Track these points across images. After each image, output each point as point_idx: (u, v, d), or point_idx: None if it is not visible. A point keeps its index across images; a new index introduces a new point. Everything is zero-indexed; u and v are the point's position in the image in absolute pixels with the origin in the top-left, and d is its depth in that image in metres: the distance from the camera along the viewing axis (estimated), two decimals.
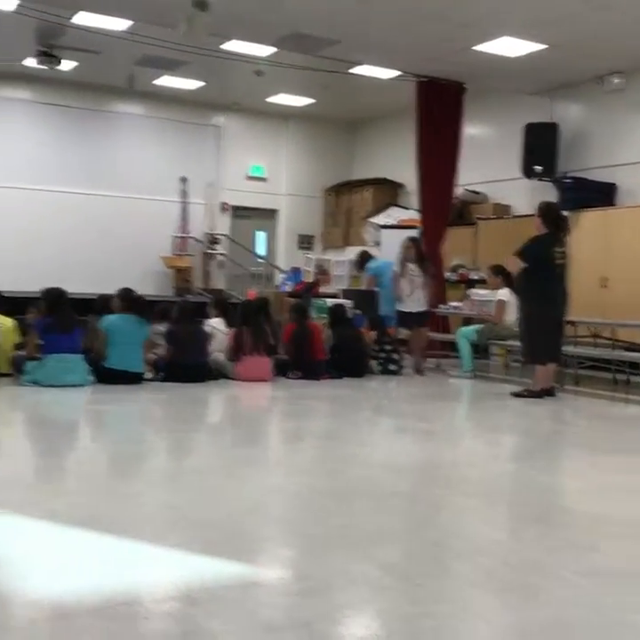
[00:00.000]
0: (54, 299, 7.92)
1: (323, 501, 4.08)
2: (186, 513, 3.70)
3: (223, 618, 2.51)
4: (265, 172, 16.14)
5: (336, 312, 9.80)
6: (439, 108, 12.01)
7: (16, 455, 5.27)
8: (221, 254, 15.48)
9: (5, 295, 8.55)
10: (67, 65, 12.33)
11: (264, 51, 11.31)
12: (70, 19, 10.26)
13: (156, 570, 2.96)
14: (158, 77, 13.45)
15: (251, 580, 2.88)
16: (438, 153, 12.06)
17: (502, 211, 12.93)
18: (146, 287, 11.58)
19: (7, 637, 2.31)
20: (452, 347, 10.35)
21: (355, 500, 4.13)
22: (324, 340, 9.24)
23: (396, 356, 9.80)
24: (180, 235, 15.02)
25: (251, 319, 8.80)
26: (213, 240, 15.45)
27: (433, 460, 5.31)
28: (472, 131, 12.79)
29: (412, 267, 9.76)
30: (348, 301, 10.78)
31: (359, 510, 3.92)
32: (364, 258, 11.45)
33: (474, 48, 10.50)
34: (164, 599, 2.67)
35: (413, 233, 11.21)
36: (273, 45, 10.99)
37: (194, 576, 2.87)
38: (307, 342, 9.07)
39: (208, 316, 9.26)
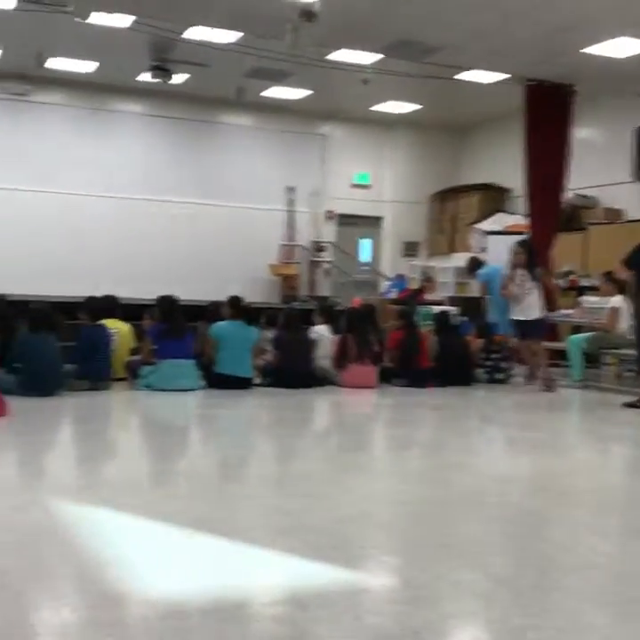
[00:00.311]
0: (168, 306, 8.18)
1: (430, 510, 4.07)
2: (295, 518, 3.76)
3: (331, 624, 2.54)
4: (370, 179, 16.18)
5: (441, 319, 9.72)
6: (547, 111, 11.80)
7: (131, 458, 5.46)
8: (327, 262, 15.59)
9: (123, 302, 8.85)
10: (178, 78, 12.69)
11: (370, 58, 11.38)
12: (182, 33, 10.58)
13: (265, 573, 3.03)
14: (266, 89, 13.68)
15: (359, 587, 2.91)
16: (547, 157, 11.84)
17: (614, 215, 12.56)
18: (254, 294, 11.81)
19: (122, 634, 2.41)
20: (561, 355, 10.11)
21: (462, 509, 4.11)
22: (430, 348, 9.18)
23: (503, 365, 9.64)
24: (286, 243, 15.22)
25: (356, 326, 8.85)
26: (319, 248, 15.58)
27: (541, 470, 5.21)
28: (582, 133, 12.50)
29: (521, 273, 9.41)
30: (455, 308, 10.68)
31: (467, 520, 3.90)
32: (475, 264, 11.27)
33: (583, 50, 10.27)
34: (273, 603, 2.73)
35: (522, 238, 10.99)
36: (380, 53, 11.04)
37: (302, 581, 2.92)
38: (413, 350, 9.04)
39: (314, 323, 9.36)
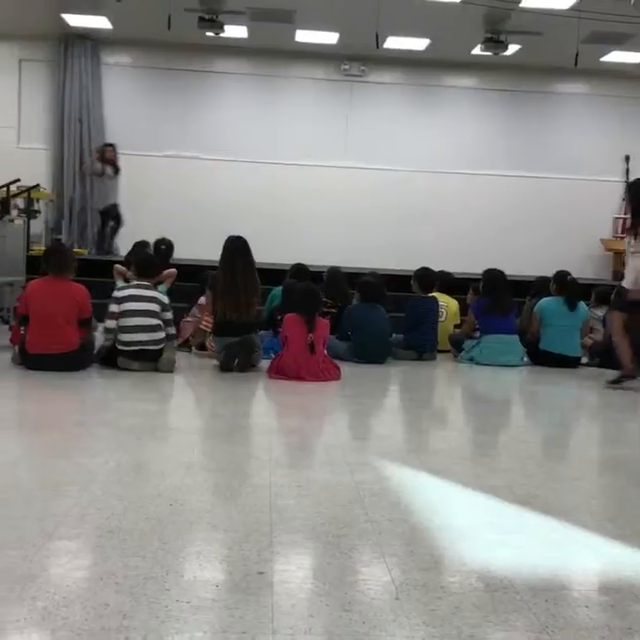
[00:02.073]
0: (494, 281, 8.12)
1: None
2: (622, 504, 3.56)
3: None
4: None
5: None
6: None
7: (454, 428, 5.53)
8: None
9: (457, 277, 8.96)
10: (510, 49, 12.45)
11: None
12: (518, 2, 10.36)
13: (594, 558, 2.91)
14: (606, 54, 12.97)
15: None
16: None
17: None
18: (584, 270, 11.34)
19: (451, 599, 2.44)
20: None
21: None
22: None
23: None
24: (621, 216, 14.39)
25: None
26: None
27: None
28: None
29: None
30: None
31: None
32: None
33: None
34: (605, 590, 2.61)
35: None
36: None
37: (636, 570, 2.76)
38: None
39: None
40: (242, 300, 6.76)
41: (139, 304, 6.59)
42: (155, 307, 6.63)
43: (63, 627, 2.15)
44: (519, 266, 11.51)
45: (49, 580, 2.47)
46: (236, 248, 6.96)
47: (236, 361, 6.72)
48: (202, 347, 7.58)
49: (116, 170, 11.86)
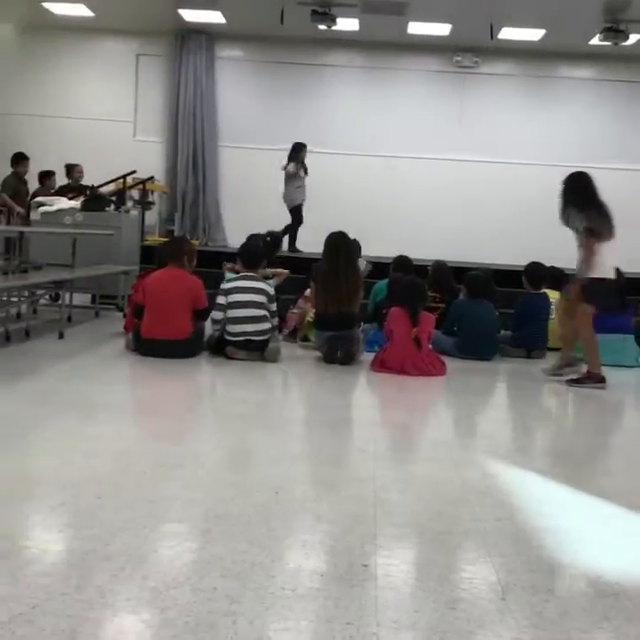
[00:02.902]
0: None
1: None
2: None
3: None
4: None
5: None
6: None
7: (561, 428, 5.39)
8: None
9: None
10: (631, 39, 12.02)
11: None
12: None
13: None
14: None
15: None
16: None
17: None
18: None
19: (558, 602, 2.38)
20: None
21: None
22: None
23: None
24: None
25: None
26: None
27: None
28: None
29: None
30: None
31: None
32: None
33: None
34: None
35: None
36: None
37: None
38: None
39: None
40: (343, 294, 6.78)
41: (245, 295, 6.70)
42: (261, 298, 6.73)
43: (172, 607, 2.21)
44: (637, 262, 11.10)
45: (159, 561, 2.54)
46: (338, 243, 6.99)
47: (339, 353, 6.75)
48: (306, 338, 7.64)
49: (306, 170, 11.80)
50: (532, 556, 2.74)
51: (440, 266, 8.49)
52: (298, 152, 11.67)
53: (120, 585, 2.33)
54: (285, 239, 11.11)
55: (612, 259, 6.39)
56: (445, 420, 5.41)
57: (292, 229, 11.72)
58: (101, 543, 2.61)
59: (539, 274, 8.15)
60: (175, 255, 6.84)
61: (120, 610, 2.20)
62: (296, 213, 11.74)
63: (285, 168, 11.60)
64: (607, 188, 14.33)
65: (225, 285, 6.83)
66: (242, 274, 6.97)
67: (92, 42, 13.88)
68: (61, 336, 7.20)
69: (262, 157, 13.73)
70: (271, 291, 6.86)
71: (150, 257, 9.29)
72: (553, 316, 8.12)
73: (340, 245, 7.00)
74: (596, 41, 12.27)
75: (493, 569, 2.61)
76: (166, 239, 10.04)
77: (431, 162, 13.71)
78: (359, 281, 6.99)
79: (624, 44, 11.96)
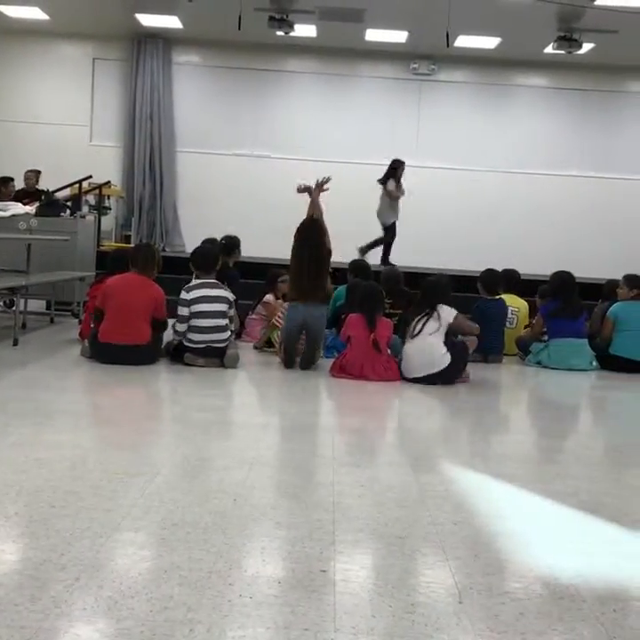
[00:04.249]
0: (563, 283, 7.97)
1: None
2: None
3: None
4: None
5: None
6: None
7: (521, 432, 5.45)
8: None
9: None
10: (584, 47, 12.22)
11: None
12: (594, 0, 10.15)
13: None
14: None
15: None
16: None
17: None
18: None
19: (515, 605, 2.40)
20: None
21: None
22: None
23: None
24: None
25: None
26: None
27: None
28: None
29: None
30: None
31: None
32: None
33: None
34: None
35: None
36: None
37: None
38: None
39: None
40: (312, 268, 6.79)
41: (210, 305, 6.66)
42: (223, 307, 6.71)
43: (129, 617, 2.18)
44: (588, 268, 11.30)
45: (115, 570, 2.51)
46: (304, 229, 6.98)
47: (299, 359, 6.80)
48: (268, 343, 7.64)
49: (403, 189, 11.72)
50: (489, 559, 2.77)
51: (391, 273, 8.40)
52: (396, 169, 11.65)
53: (75, 595, 2.29)
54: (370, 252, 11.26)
55: None
56: (404, 424, 5.44)
57: (383, 244, 11.70)
58: (56, 553, 2.57)
59: (493, 280, 8.24)
60: (146, 263, 6.69)
61: (75, 620, 2.17)
62: (389, 230, 11.69)
63: (383, 184, 11.56)
64: (561, 196, 14.66)
65: (187, 296, 6.72)
66: (202, 281, 6.87)
67: (48, 45, 13.74)
68: (16, 343, 7.10)
69: (220, 162, 13.73)
70: (231, 296, 6.83)
71: (106, 263, 9.20)
72: (513, 326, 8.23)
73: (306, 231, 6.98)
74: (550, 50, 12.46)
75: (451, 572, 2.63)
76: (123, 245, 9.96)
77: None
78: (325, 257, 6.93)
79: (578, 52, 12.15)
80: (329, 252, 6.98)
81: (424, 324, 6.56)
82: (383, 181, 11.59)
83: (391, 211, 11.66)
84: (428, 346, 6.49)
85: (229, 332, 6.75)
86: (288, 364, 6.83)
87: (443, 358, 6.49)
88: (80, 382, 6.16)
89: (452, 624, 2.27)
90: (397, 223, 11.68)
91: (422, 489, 3.56)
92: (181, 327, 6.64)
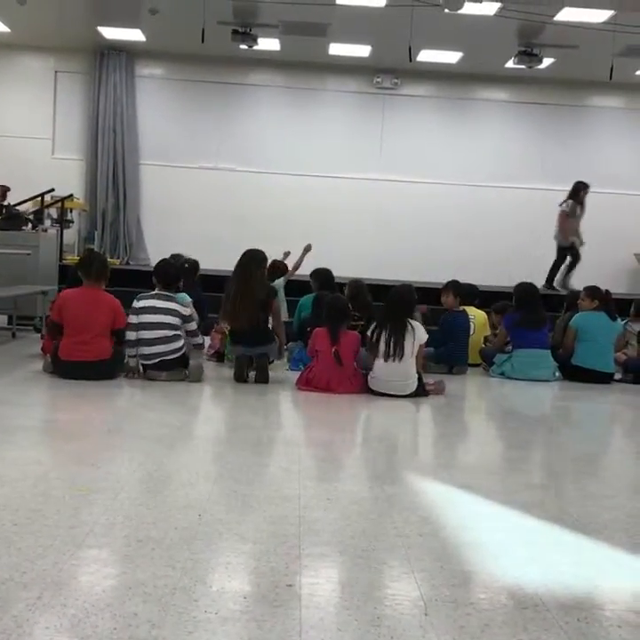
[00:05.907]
0: (526, 294, 8.06)
1: None
2: None
3: None
4: None
5: None
6: None
7: (486, 442, 5.48)
8: None
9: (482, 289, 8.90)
10: (544, 62, 12.39)
11: None
12: (554, 16, 10.30)
13: (628, 578, 2.86)
14: None
15: None
16: None
17: None
18: (618, 284, 11.23)
19: (481, 616, 2.41)
20: None
21: None
22: None
23: None
24: None
25: None
26: None
27: None
28: None
29: None
30: None
31: None
32: None
33: None
34: None
35: None
36: None
37: None
38: None
39: None
40: (239, 310, 6.73)
41: (156, 316, 6.61)
42: (173, 319, 6.64)
43: (92, 635, 2.15)
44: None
45: (79, 587, 2.48)
46: (247, 260, 6.94)
47: (250, 373, 6.82)
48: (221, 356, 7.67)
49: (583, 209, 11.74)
50: (455, 571, 2.77)
51: (357, 284, 8.41)
52: (578, 192, 11.79)
53: (38, 613, 2.26)
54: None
55: None
56: (370, 436, 5.44)
57: (555, 265, 11.90)
58: (18, 571, 2.54)
59: (458, 292, 8.29)
60: (99, 274, 6.61)
61: (38, 639, 2.14)
62: (565, 252, 11.85)
63: (562, 205, 11.74)
64: (524, 208, 14.79)
65: (136, 304, 6.69)
66: (156, 292, 6.81)
67: (9, 58, 13.60)
68: None
69: (184, 175, 13.67)
70: (186, 311, 6.77)
71: (69, 276, 9.11)
72: (472, 332, 8.29)
73: (249, 262, 6.94)
74: (511, 64, 12.60)
75: (416, 584, 2.63)
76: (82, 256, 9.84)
77: (351, 181, 13.82)
78: (256, 299, 6.81)
79: (538, 67, 12.31)
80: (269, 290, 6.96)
81: (402, 345, 6.51)
82: (562, 203, 11.83)
83: (567, 232, 11.83)
84: (403, 371, 6.46)
85: (182, 342, 6.68)
86: (239, 378, 6.80)
87: (414, 383, 6.52)
88: (42, 398, 6.08)
89: (418, 636, 2.27)
90: (577, 246, 11.91)
91: (388, 501, 3.56)
92: (130, 335, 6.59)
